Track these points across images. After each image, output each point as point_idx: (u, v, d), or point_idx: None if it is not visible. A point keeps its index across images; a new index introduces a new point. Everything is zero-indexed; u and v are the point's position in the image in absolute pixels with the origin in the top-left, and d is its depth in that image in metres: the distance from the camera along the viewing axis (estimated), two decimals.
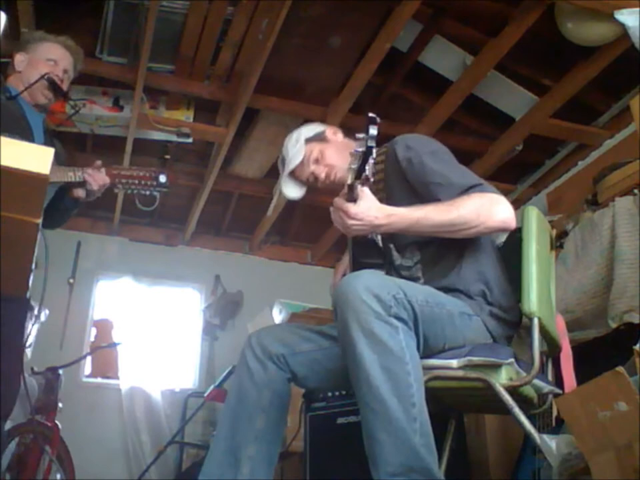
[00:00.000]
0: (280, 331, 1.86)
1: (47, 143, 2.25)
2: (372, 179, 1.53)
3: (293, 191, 1.98)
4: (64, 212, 2.34)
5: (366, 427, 1.41)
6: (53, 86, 2.24)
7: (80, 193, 2.28)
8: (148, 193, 2.32)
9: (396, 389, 1.39)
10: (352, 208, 1.55)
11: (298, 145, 1.94)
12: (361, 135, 1.44)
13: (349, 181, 1.52)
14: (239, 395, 1.73)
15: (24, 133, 2.12)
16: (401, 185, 1.76)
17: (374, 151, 1.43)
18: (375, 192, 1.80)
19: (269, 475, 1.69)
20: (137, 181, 2.28)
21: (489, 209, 1.61)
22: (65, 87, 2.32)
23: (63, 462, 3.41)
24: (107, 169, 2.25)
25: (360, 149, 1.44)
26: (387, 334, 1.42)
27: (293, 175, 1.96)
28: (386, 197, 1.78)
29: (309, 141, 1.94)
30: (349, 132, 1.94)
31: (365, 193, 1.57)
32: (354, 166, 1.48)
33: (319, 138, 1.96)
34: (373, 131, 1.41)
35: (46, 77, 2.21)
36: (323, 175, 1.91)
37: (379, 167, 1.85)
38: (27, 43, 2.36)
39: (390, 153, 1.82)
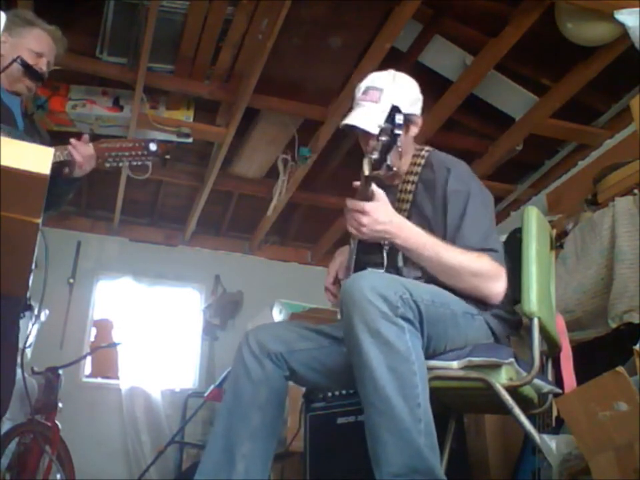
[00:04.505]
0: (278, 329, 1.85)
1: (27, 125, 2.20)
2: (394, 169, 1.45)
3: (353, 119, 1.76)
4: (61, 195, 2.23)
5: (370, 427, 1.41)
6: (28, 69, 2.12)
7: (66, 170, 2.15)
8: (140, 163, 2.26)
9: (402, 389, 1.39)
10: (367, 205, 1.53)
11: (407, 101, 1.74)
12: (383, 124, 1.40)
13: (366, 172, 1.46)
14: (235, 392, 1.73)
15: (6, 118, 2.05)
16: (428, 204, 1.76)
17: (399, 139, 1.39)
18: (402, 192, 1.79)
19: (264, 473, 1.69)
20: (127, 153, 2.19)
21: (487, 279, 1.64)
22: (45, 76, 2.21)
23: (62, 462, 3.41)
24: (94, 143, 2.14)
25: (383, 138, 1.39)
26: (394, 334, 1.42)
27: (362, 112, 1.76)
28: (412, 201, 1.77)
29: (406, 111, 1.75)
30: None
31: (380, 194, 1.55)
32: (374, 156, 1.42)
33: (410, 120, 1.77)
34: (399, 120, 1.37)
35: (18, 59, 2.08)
36: (369, 147, 1.69)
37: (412, 168, 1.81)
38: (12, 24, 2.16)
39: (435, 168, 1.78)
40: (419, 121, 1.83)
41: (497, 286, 1.65)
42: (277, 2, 3.02)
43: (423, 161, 1.82)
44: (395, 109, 1.37)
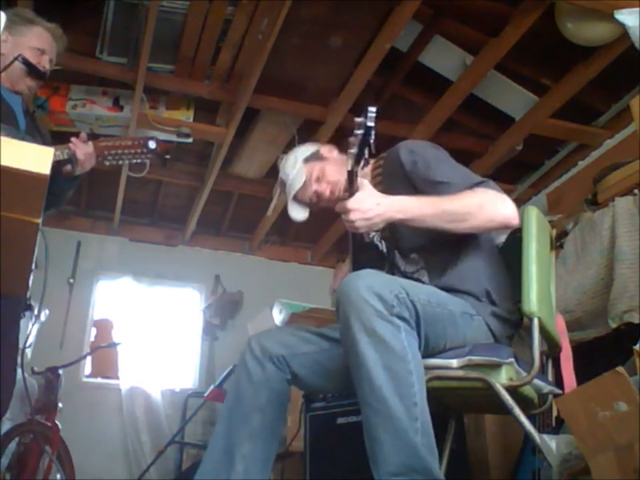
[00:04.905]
0: (280, 333, 1.86)
1: (29, 124, 2.21)
2: (370, 162, 1.52)
3: (298, 213, 1.97)
4: (61, 193, 2.24)
5: (367, 427, 1.41)
6: (30, 68, 2.13)
7: (68, 168, 2.16)
8: (139, 161, 2.28)
9: (398, 389, 1.39)
10: (348, 203, 1.54)
11: (297, 167, 1.92)
12: (359, 119, 1.42)
13: (349, 167, 1.49)
14: (236, 394, 1.74)
15: (7, 117, 2.06)
16: (402, 191, 1.75)
17: (372, 132, 1.41)
18: None
19: (264, 474, 1.68)
20: (126, 151, 2.20)
21: (493, 204, 1.63)
22: (47, 74, 2.21)
23: (63, 462, 3.41)
24: (93, 142, 2.16)
25: (359, 132, 1.42)
26: (389, 333, 1.42)
27: (295, 197, 1.95)
28: None
29: (306, 161, 1.93)
30: (349, 134, 1.92)
31: (364, 184, 1.56)
32: (352, 150, 1.46)
33: (316, 157, 1.94)
34: (372, 112, 1.39)
35: (20, 58, 2.08)
36: (327, 193, 1.89)
37: (375, 172, 1.86)
38: (13, 22, 2.17)
39: (390, 159, 1.83)
40: (325, 150, 1.97)
41: (507, 207, 1.63)
42: (276, 2, 3.02)
43: (382, 162, 1.87)
44: (368, 105, 1.40)
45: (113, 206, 4.93)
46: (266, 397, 1.71)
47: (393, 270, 1.81)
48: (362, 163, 1.47)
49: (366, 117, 1.39)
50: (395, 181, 1.78)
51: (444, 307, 1.59)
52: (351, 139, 1.47)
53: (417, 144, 1.84)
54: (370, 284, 1.45)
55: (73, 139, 2.13)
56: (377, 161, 1.90)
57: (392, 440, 1.37)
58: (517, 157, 4.26)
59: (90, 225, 5.22)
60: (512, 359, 1.60)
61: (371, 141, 1.43)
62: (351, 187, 1.54)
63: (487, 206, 1.62)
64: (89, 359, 4.82)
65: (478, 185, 1.66)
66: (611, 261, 2.78)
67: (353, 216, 1.54)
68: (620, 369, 1.48)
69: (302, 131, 4.03)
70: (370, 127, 1.40)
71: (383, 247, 1.85)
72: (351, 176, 1.52)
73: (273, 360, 1.74)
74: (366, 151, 1.44)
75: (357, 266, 1.83)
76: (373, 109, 1.39)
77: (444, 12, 3.46)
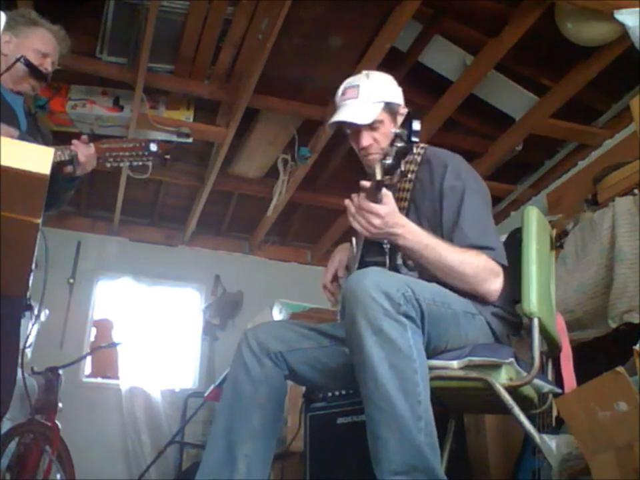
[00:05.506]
0: (277, 328, 1.85)
1: (30, 124, 2.21)
2: (406, 177, 1.50)
3: (332, 127, 1.86)
4: (61, 193, 2.23)
5: (371, 425, 1.41)
6: (32, 69, 2.13)
7: (69, 169, 2.16)
8: (140, 163, 2.27)
9: (403, 387, 1.39)
10: (382, 209, 1.53)
11: (375, 103, 1.80)
12: (397, 130, 1.40)
13: (379, 177, 1.46)
14: (234, 391, 1.73)
15: (8, 118, 2.06)
16: (427, 203, 1.77)
17: (415, 147, 1.40)
18: (400, 190, 1.80)
19: (265, 472, 1.69)
20: (127, 153, 2.20)
21: (486, 277, 1.65)
22: (49, 76, 2.23)
23: (62, 462, 3.41)
24: (95, 144, 2.16)
25: (399, 144, 1.40)
26: (396, 332, 1.41)
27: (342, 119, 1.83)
28: (410, 199, 1.78)
29: (386, 105, 1.82)
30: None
31: (390, 198, 1.55)
32: (387, 161, 1.43)
33: (392, 110, 1.83)
34: (417, 126, 1.38)
35: (22, 59, 2.09)
36: (365, 143, 1.81)
37: (411, 167, 1.82)
38: (17, 23, 2.19)
39: (435, 162, 1.80)
40: (401, 110, 1.87)
41: (496, 284, 1.66)
42: (276, 2, 3.02)
43: (419, 158, 1.83)
44: (412, 115, 1.38)
45: (113, 206, 4.93)
46: (266, 394, 1.71)
47: (394, 268, 1.80)
48: (397, 176, 1.45)
49: (410, 131, 1.37)
50: (426, 188, 1.78)
51: (448, 306, 1.59)
52: (385, 148, 1.45)
53: (466, 170, 1.80)
54: (377, 282, 1.45)
55: (74, 141, 2.14)
56: (412, 154, 1.83)
57: (395, 438, 1.37)
58: (516, 157, 4.26)
59: (90, 224, 5.22)
60: (512, 359, 1.60)
61: (410, 157, 1.41)
62: (377, 195, 1.52)
63: (480, 277, 1.65)
64: (89, 359, 4.82)
65: (485, 249, 1.66)
66: (611, 261, 2.78)
67: (376, 221, 1.54)
68: (620, 368, 1.48)
69: (302, 131, 4.04)
70: (414, 142, 1.39)
71: (385, 243, 1.85)
72: (380, 185, 1.50)
73: (270, 356, 1.74)
74: (402, 164, 1.43)
75: (361, 264, 1.82)
76: (418, 127, 1.38)
77: (444, 12, 3.46)
